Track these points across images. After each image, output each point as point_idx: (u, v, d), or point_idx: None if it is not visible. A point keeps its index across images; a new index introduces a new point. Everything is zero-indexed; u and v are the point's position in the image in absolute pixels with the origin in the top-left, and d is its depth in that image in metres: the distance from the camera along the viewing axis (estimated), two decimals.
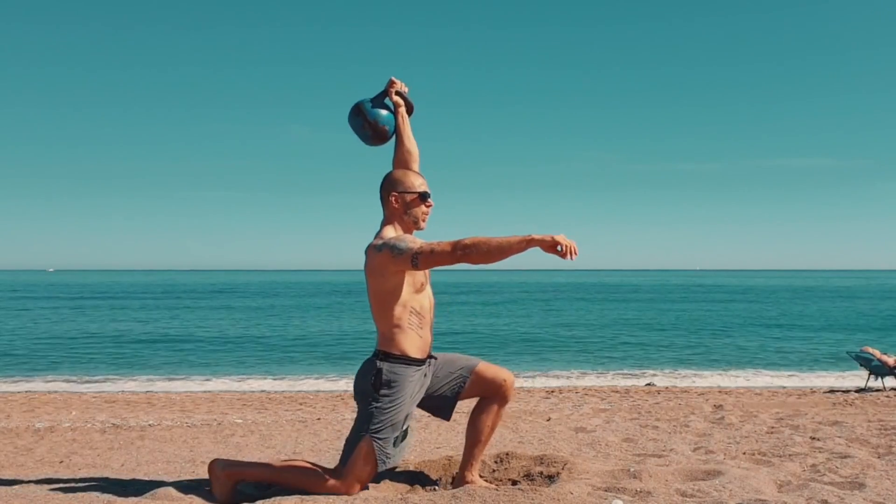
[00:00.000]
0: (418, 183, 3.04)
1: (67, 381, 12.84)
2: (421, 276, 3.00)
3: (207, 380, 13.08)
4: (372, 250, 2.92)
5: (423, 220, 3.06)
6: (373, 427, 2.91)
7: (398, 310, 2.93)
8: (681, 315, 30.92)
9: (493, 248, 2.71)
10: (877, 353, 9.73)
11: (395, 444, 2.95)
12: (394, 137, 3.30)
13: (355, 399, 3.03)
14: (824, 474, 3.40)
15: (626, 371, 14.15)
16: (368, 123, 3.22)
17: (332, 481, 2.93)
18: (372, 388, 2.92)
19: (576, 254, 2.73)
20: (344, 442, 3.04)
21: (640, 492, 2.93)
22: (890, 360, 9.50)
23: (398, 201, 3.01)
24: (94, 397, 9.72)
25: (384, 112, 3.25)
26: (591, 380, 12.55)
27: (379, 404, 2.91)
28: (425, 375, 3.05)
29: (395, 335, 2.94)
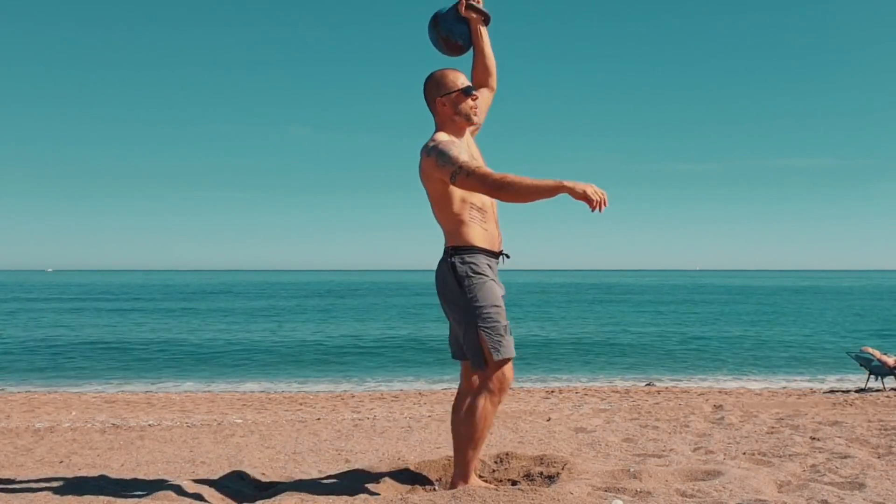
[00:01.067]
0: (459, 81, 3.03)
1: (67, 381, 12.84)
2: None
3: (207, 380, 13.08)
4: (423, 152, 2.94)
5: (475, 114, 3.05)
6: (479, 316, 2.84)
7: (457, 205, 2.92)
8: (680, 315, 30.92)
9: (525, 187, 2.72)
10: (876, 353, 9.74)
11: (506, 332, 2.87)
12: (472, 50, 3.26)
13: (447, 309, 2.97)
14: (824, 474, 3.40)
15: (626, 371, 14.15)
16: (441, 38, 3.19)
17: (486, 398, 2.89)
18: (456, 283, 2.88)
19: (605, 205, 2.68)
20: (468, 351, 2.93)
21: (640, 492, 2.93)
22: (890, 360, 9.50)
23: (445, 104, 3.00)
24: (94, 397, 9.72)
25: (459, 25, 3.17)
26: (591, 380, 12.55)
27: (469, 294, 2.86)
28: (495, 276, 2.98)
29: (459, 228, 2.92)
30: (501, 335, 2.87)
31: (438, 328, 22.10)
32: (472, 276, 2.87)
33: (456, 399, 3.14)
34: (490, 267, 2.95)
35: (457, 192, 2.90)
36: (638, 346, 19.03)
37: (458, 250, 2.91)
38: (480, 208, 2.96)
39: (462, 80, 3.04)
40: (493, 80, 3.29)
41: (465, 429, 2.93)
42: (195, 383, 12.62)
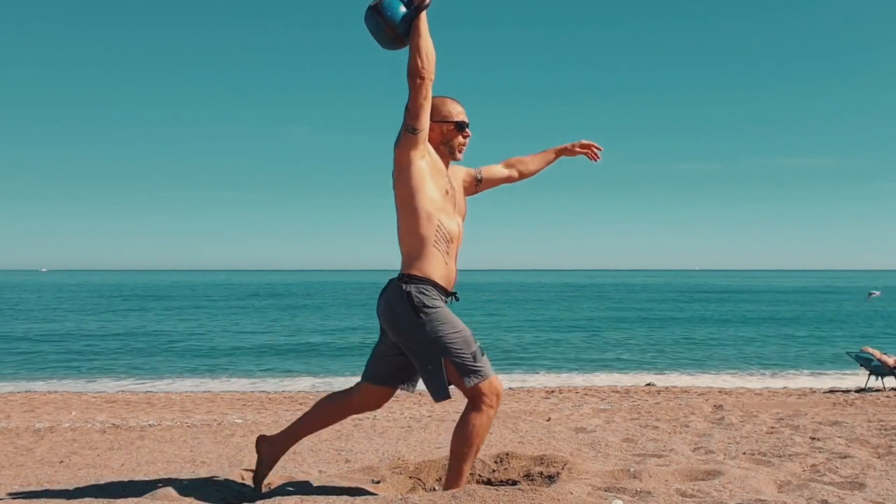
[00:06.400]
0: (456, 112, 2.90)
1: (67, 381, 12.85)
2: (447, 196, 2.86)
3: (207, 380, 13.09)
4: (400, 137, 2.77)
5: (460, 151, 2.93)
6: (446, 349, 2.69)
7: (425, 225, 2.75)
8: (680, 315, 30.93)
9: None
10: (877, 353, 9.74)
11: (478, 357, 2.73)
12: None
13: (399, 340, 2.78)
14: (824, 474, 3.40)
15: (626, 371, 14.16)
16: (387, 25, 2.74)
17: (481, 414, 2.74)
18: (412, 314, 2.70)
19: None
20: (428, 383, 2.77)
21: (640, 492, 2.93)
22: (890, 360, 9.51)
23: (434, 130, 2.85)
24: (94, 397, 9.72)
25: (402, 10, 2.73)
26: (591, 380, 12.55)
27: (429, 326, 2.70)
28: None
29: (421, 254, 2.76)
30: (474, 362, 2.73)
31: None
32: (427, 307, 2.71)
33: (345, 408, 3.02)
34: (443, 301, 2.82)
35: (425, 206, 2.76)
36: (638, 345, 19.04)
37: (411, 279, 2.74)
38: (447, 239, 2.80)
39: (459, 113, 2.91)
40: (519, 174, 3.27)
41: (458, 444, 2.80)
42: (195, 383, 12.63)
